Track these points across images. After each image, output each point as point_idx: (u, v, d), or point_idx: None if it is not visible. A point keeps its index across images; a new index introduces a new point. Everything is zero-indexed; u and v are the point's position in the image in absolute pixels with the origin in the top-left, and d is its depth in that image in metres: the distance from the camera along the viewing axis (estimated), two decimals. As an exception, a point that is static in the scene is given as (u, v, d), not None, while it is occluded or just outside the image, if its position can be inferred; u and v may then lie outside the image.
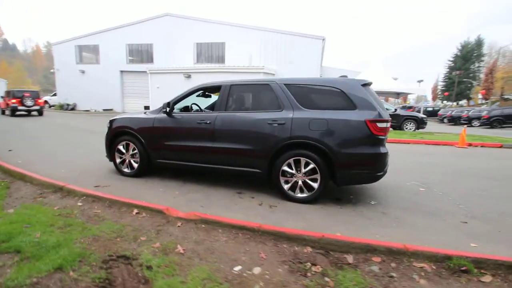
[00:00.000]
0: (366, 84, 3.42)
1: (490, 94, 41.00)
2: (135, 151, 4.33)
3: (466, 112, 24.58)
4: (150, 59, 22.08)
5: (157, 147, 4.15)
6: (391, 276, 1.96)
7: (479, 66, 52.40)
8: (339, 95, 3.36)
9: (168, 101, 4.09)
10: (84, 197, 3.24)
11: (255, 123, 3.58)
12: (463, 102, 52.22)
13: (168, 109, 4.01)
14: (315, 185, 3.37)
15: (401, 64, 68.53)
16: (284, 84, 3.59)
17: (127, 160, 4.45)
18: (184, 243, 2.28)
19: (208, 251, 2.18)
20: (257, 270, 1.95)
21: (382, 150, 3.24)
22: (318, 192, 3.38)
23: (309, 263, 2.07)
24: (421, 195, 3.93)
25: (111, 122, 4.59)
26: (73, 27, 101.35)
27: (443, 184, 4.48)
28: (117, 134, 4.46)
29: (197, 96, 4.59)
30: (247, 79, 3.88)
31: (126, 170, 4.47)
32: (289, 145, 3.41)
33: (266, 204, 3.40)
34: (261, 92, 3.74)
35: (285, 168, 3.48)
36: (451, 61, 53.57)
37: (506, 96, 46.23)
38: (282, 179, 3.52)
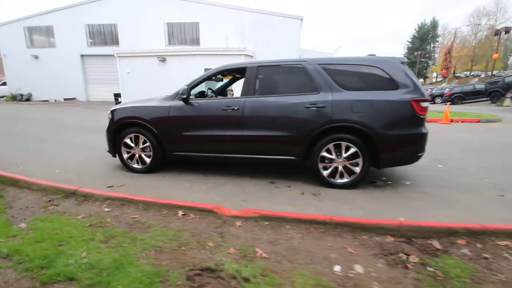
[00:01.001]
0: (403, 62, 3.31)
1: (449, 73, 44.32)
2: (147, 144, 3.85)
3: (430, 90, 26.36)
4: (115, 41, 20.09)
5: (174, 139, 3.72)
6: (485, 258, 1.93)
7: (434, 47, 56.20)
8: (379, 74, 3.21)
9: (185, 86, 3.63)
10: (109, 201, 2.78)
11: (290, 108, 3.31)
12: (421, 81, 56.05)
13: (184, 95, 3.55)
14: (357, 169, 3.26)
15: (369, 47, 70.97)
16: (319, 65, 3.34)
17: (136, 155, 3.95)
18: (259, 245, 2.04)
19: (292, 251, 1.96)
20: (358, 268, 1.79)
21: (424, 130, 3.20)
22: (361, 177, 3.28)
23: (401, 254, 1.96)
24: (444, 172, 4.04)
25: (113, 112, 4.00)
26: (21, 5, 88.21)
27: (454, 160, 4.66)
28: (123, 126, 3.91)
29: (213, 79, 4.16)
30: (276, 60, 3.55)
31: (136, 166, 3.98)
32: (329, 129, 3.23)
33: (308, 192, 3.23)
34: (293, 74, 3.45)
35: (324, 153, 3.31)
36: (410, 41, 56.75)
37: (457, 74, 50.55)
38: (320, 165, 3.36)
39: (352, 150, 3.22)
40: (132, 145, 3.92)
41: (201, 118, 3.61)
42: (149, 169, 3.93)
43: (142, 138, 3.84)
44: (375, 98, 3.13)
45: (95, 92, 20.91)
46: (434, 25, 55.62)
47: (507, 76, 20.24)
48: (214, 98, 4.14)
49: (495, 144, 6.00)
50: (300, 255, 1.92)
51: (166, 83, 15.86)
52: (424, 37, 55.26)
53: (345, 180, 3.33)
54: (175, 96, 3.75)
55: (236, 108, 3.44)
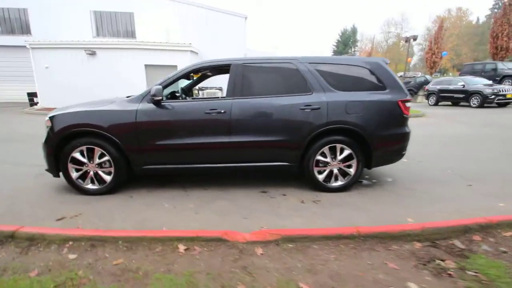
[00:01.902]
0: (387, 63, 3.37)
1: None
2: (105, 158, 3.07)
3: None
4: (25, 30, 16.58)
5: (145, 150, 3.05)
6: (505, 252, 2.01)
7: (354, 51, 63.60)
8: (368, 75, 3.19)
9: (157, 85, 2.99)
10: (70, 243, 2.04)
11: (284, 110, 3.03)
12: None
13: (158, 97, 2.92)
14: (351, 171, 3.20)
15: (302, 48, 75.68)
16: (310, 63, 3.14)
17: (91, 173, 3.13)
18: (298, 277, 1.71)
19: (337, 279, 1.70)
20: (413, 287, 1.63)
21: (408, 129, 3.32)
22: (355, 179, 3.23)
23: (437, 261, 1.89)
24: (408, 166, 4.32)
25: (53, 120, 3.07)
26: None
27: (420, 153, 5.09)
28: (69, 137, 3.04)
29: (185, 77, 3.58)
30: (264, 57, 3.21)
31: (91, 186, 3.15)
32: (324, 132, 3.07)
33: (307, 200, 3.02)
34: (284, 73, 3.17)
35: (319, 157, 3.15)
36: (335, 45, 63.14)
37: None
38: (315, 170, 3.18)
39: (347, 152, 3.13)
40: (84, 160, 3.08)
41: (180, 123, 3.03)
42: (110, 189, 3.15)
43: (98, 150, 3.05)
44: (367, 99, 3.09)
45: (2, 91, 16.92)
46: (354, 31, 62.95)
47: (418, 77, 24.01)
48: (193, 99, 3.56)
49: (434, 136, 6.87)
50: (349, 282, 1.67)
51: (98, 81, 13.82)
52: (346, 41, 62.02)
53: (340, 183, 3.23)
54: (143, 97, 3.07)
55: (222, 111, 2.99)
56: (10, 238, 2.07)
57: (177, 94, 3.86)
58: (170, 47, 14.08)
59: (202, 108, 3.02)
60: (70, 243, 2.04)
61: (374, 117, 3.10)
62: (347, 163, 3.18)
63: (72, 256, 1.91)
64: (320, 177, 3.20)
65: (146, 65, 14.08)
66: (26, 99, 14.91)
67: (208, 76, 4.34)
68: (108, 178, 3.14)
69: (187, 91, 4.30)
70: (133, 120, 2.99)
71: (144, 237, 2.04)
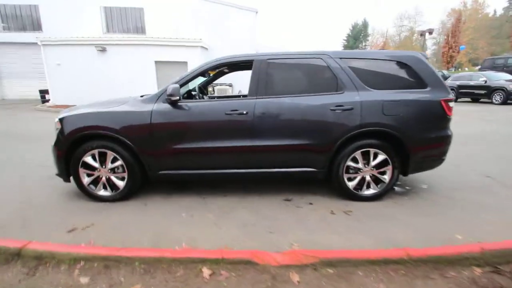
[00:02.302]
0: (427, 58, 3.02)
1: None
2: (118, 163, 2.85)
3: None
4: (36, 26, 16.61)
5: (161, 154, 2.82)
6: None
7: (365, 45, 62.16)
8: (407, 71, 2.86)
9: (173, 83, 2.74)
10: (82, 263, 1.83)
11: (313, 111, 2.74)
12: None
13: (175, 97, 2.67)
14: (386, 178, 2.89)
15: (312, 43, 74.24)
16: (340, 58, 2.83)
17: (103, 178, 2.92)
18: (345, 314, 1.45)
19: (393, 318, 1.42)
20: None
21: (450, 132, 2.98)
22: (390, 186, 2.92)
23: (508, 294, 1.59)
24: (449, 169, 3.96)
25: (62, 121, 2.87)
26: None
27: (450, 155, 4.71)
28: (80, 140, 2.83)
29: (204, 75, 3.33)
30: (289, 52, 2.92)
31: (103, 193, 2.95)
32: (357, 135, 2.77)
33: (337, 210, 2.74)
34: (312, 70, 2.87)
35: (349, 163, 2.86)
36: (345, 39, 61.84)
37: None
38: (345, 176, 2.89)
39: (381, 157, 2.83)
40: (96, 165, 2.87)
41: (198, 125, 2.78)
42: (123, 196, 2.94)
43: (111, 154, 2.83)
44: (406, 98, 2.77)
45: (12, 88, 17.13)
46: (365, 25, 61.49)
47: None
48: (212, 98, 3.29)
49: (462, 136, 6.43)
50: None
51: (108, 78, 13.74)
52: (357, 36, 60.66)
53: (373, 191, 2.93)
54: (158, 97, 2.82)
55: (245, 112, 2.72)
56: (16, 256, 1.88)
57: (194, 93, 3.61)
58: (180, 43, 13.85)
59: (222, 109, 2.76)
60: (82, 263, 1.82)
61: (414, 119, 2.77)
62: (381, 170, 2.88)
63: (84, 280, 1.69)
64: (351, 185, 2.91)
65: (156, 62, 13.91)
66: (38, 96, 14.99)
67: (225, 73, 4.07)
68: (121, 184, 2.93)
69: (203, 89, 4.05)
70: (147, 121, 2.75)
71: (163, 258, 1.80)
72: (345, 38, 61.82)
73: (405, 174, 2.99)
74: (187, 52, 13.77)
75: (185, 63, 13.44)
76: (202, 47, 14.08)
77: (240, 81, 14.16)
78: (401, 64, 2.87)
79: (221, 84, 13.01)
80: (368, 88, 2.79)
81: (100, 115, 2.82)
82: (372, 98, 2.74)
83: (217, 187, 3.31)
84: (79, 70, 13.94)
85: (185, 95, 3.37)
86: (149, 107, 2.78)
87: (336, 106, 2.72)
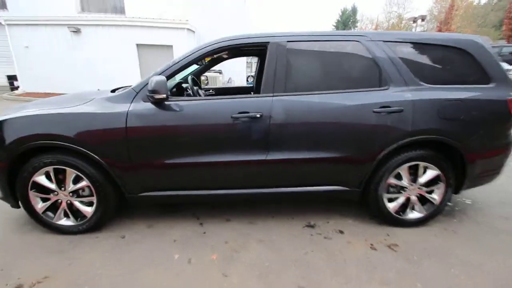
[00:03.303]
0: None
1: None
2: (83, 183, 2.08)
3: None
4: (1, 5, 14.71)
5: (142, 169, 2.05)
6: None
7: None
8: (466, 60, 2.18)
9: (156, 74, 1.95)
10: None
11: (349, 113, 2.03)
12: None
13: (161, 95, 1.88)
14: (435, 198, 2.28)
15: (300, 29, 72.32)
16: (385, 42, 2.11)
17: (63, 203, 2.14)
18: None
19: None
20: None
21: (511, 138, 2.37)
22: (441, 208, 2.32)
23: None
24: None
25: (2, 126, 2.03)
26: None
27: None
28: (28, 153, 2.02)
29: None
30: (317, 32, 2.16)
31: (65, 222, 2.18)
32: (404, 145, 2.10)
33: (378, 242, 2.11)
34: (347, 56, 2.13)
35: (391, 180, 2.21)
36: (335, 26, 60.91)
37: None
38: (385, 197, 2.25)
39: (432, 172, 2.19)
40: (52, 186, 2.08)
41: (194, 132, 2.02)
42: (92, 226, 2.19)
43: (71, 173, 2.05)
44: (468, 97, 2.10)
45: (-25, 73, 15.29)
46: (354, 11, 60.54)
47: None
48: (210, 95, 2.50)
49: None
50: None
51: (84, 62, 12.41)
52: (346, 21, 59.77)
53: (418, 214, 2.31)
54: (137, 93, 2.02)
55: (257, 115, 1.98)
56: None
57: (185, 86, 2.79)
58: (164, 24, 12.61)
59: (227, 110, 2.00)
60: None
61: (475, 123, 2.12)
62: (431, 188, 2.25)
63: None
64: (391, 207, 2.27)
65: (138, 45, 12.66)
66: (6, 82, 13.47)
67: (223, 60, 3.27)
68: (88, 210, 2.16)
69: (196, 81, 3.23)
70: (121, 126, 1.96)
71: None
72: (335, 24, 60.78)
73: (457, 191, 2.38)
74: (173, 35, 12.58)
75: (170, 46, 12.31)
76: (189, 29, 12.90)
77: (227, 67, 13.24)
78: (458, 51, 2.17)
79: (209, 71, 12.03)
80: (421, 82, 2.10)
81: (52, 119, 2.00)
82: (427, 97, 2.06)
83: (217, 207, 2.60)
84: (50, 54, 12.53)
85: (174, 89, 2.57)
86: (123, 107, 1.98)
87: (381, 107, 2.02)
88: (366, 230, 2.29)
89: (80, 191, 2.14)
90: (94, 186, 2.08)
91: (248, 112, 1.98)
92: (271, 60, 2.05)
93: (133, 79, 3.32)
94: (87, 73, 12.42)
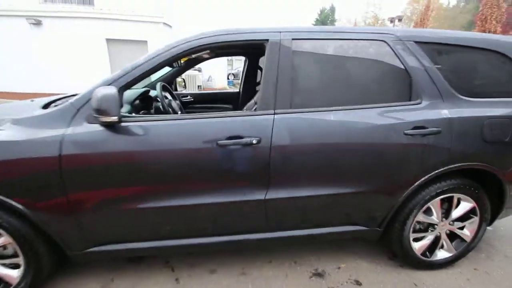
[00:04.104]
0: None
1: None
2: (1, 240, 1.43)
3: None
4: None
5: (84, 214, 1.44)
6: None
7: (333, 31, 62.46)
8: (505, 66, 1.77)
9: (106, 83, 1.34)
10: None
11: (374, 136, 1.54)
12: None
13: (111, 117, 1.27)
14: (467, 234, 1.86)
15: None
16: (416, 43, 1.64)
17: (-26, 267, 1.48)
18: None
19: None
20: None
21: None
22: (473, 246, 1.91)
23: None
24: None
25: None
26: None
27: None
28: None
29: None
30: (331, 27, 1.63)
31: (-21, 293, 1.52)
32: (441, 175, 1.65)
33: (408, 300, 1.65)
34: (368, 60, 1.62)
35: (420, 216, 1.76)
36: (314, 24, 61.47)
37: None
38: (411, 236, 1.80)
39: (467, 205, 1.78)
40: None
41: (163, 165, 1.42)
42: (19, 298, 1.54)
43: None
44: (514, 112, 1.69)
45: None
46: (333, 10, 61.41)
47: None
48: (190, 115, 1.86)
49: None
50: None
51: (46, 58, 11.14)
52: (325, 21, 60.52)
53: (446, 254, 1.89)
54: (77, 110, 1.39)
55: (254, 142, 1.43)
56: None
57: (153, 95, 2.14)
58: (137, 18, 11.63)
59: (211, 135, 1.43)
60: None
61: (519, 146, 1.72)
62: (463, 223, 1.84)
63: None
64: (417, 247, 1.83)
65: (108, 39, 11.58)
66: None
67: (203, 60, 2.68)
68: (13, 275, 1.51)
69: (168, 87, 2.58)
70: (53, 155, 1.32)
71: None
72: (314, 23, 61.29)
73: (489, 224, 1.98)
74: (146, 29, 11.62)
75: (144, 42, 11.37)
76: (165, 23, 11.98)
77: (207, 65, 12.51)
78: (498, 56, 1.75)
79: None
80: (459, 95, 1.65)
81: None
82: (468, 114, 1.62)
83: (199, 253, 2.03)
84: (6, 49, 11.11)
85: (136, 101, 1.93)
86: (54, 132, 1.35)
87: (414, 127, 1.55)
88: (387, 277, 1.83)
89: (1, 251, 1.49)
90: (19, 243, 1.43)
91: (240, 137, 1.42)
92: (271, 65, 1.50)
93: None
94: (50, 71, 11.18)
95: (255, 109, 1.51)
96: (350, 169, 1.57)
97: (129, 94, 1.85)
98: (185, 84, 3.30)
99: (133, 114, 1.53)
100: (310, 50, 1.55)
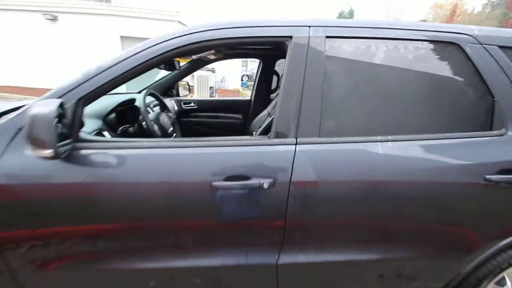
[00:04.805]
0: None
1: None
2: None
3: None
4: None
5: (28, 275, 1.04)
6: None
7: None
8: None
9: (59, 97, 0.94)
10: None
11: (439, 179, 1.06)
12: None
13: (45, 149, 0.83)
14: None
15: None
16: (502, 48, 1.14)
17: None
18: None
19: None
20: None
21: None
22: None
23: None
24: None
25: None
26: None
27: None
28: None
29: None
30: (380, 21, 1.17)
31: None
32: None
33: None
34: (433, 71, 1.14)
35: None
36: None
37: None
38: (476, 314, 1.31)
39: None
40: None
41: (135, 212, 1.01)
42: None
43: None
44: None
45: None
46: (351, 14, 60.20)
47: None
48: (173, 140, 1.39)
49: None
50: None
51: (61, 54, 11.10)
52: (343, 24, 59.35)
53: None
54: (17, 130, 0.99)
55: (266, 185, 0.97)
56: None
57: (138, 105, 1.70)
58: (151, 15, 11.43)
59: (202, 171, 1.00)
60: None
61: None
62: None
63: None
64: (482, 329, 1.33)
65: (122, 37, 11.44)
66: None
67: (209, 61, 2.26)
68: None
69: (163, 102, 2.07)
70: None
71: None
72: (332, 26, 60.34)
73: None
74: (161, 27, 11.38)
75: (158, 41, 11.12)
76: (179, 22, 11.73)
77: (220, 64, 12.15)
78: None
79: (200, 69, 10.89)
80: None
81: None
82: None
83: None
84: (22, 44, 11.18)
85: (110, 116, 1.49)
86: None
87: (500, 171, 1.06)
88: None
89: None
90: None
91: (246, 177, 0.98)
92: (294, 73, 1.05)
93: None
94: (64, 67, 11.13)
95: (268, 136, 1.06)
96: (402, 226, 1.10)
97: (105, 104, 1.45)
98: (189, 88, 2.89)
99: (97, 138, 1.10)
100: (351, 53, 1.09)
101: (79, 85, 0.98)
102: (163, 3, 12.70)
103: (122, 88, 2.36)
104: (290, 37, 1.07)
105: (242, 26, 1.08)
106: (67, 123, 0.93)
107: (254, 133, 1.42)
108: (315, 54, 1.06)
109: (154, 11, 11.58)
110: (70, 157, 0.96)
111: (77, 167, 0.98)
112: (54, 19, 11.21)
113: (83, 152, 0.99)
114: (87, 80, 0.99)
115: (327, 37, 1.07)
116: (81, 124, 1.03)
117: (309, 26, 1.08)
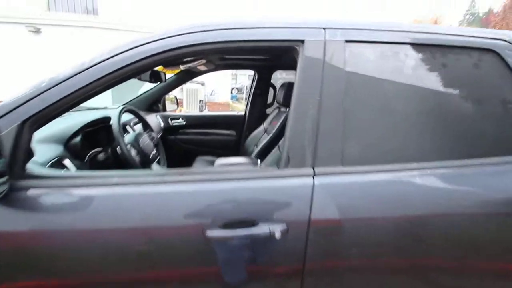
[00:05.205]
0: None
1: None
2: None
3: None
4: None
5: None
6: None
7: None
8: None
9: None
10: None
11: (488, 213, 0.84)
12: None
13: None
14: None
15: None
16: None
17: None
18: None
19: None
20: None
21: None
22: None
23: None
24: None
25: None
26: None
27: None
28: None
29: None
30: (407, 24, 0.98)
31: None
32: None
33: None
34: (470, 83, 0.95)
35: None
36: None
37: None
38: None
39: None
40: None
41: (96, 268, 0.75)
42: None
43: None
44: None
45: None
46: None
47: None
48: (159, 174, 1.14)
49: None
50: None
51: (44, 68, 10.62)
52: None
53: None
54: None
55: (277, 234, 0.72)
56: None
57: (112, 125, 1.43)
58: (142, 29, 11.21)
59: (191, 215, 0.75)
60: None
61: None
62: None
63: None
64: None
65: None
66: None
67: (199, 74, 2.04)
68: None
69: (138, 114, 1.76)
70: None
71: None
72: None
73: None
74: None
75: (148, 55, 10.90)
76: (168, 36, 11.54)
77: (210, 77, 12.02)
78: None
79: (190, 82, 10.70)
80: None
81: None
82: None
83: None
84: (3, 56, 10.73)
85: (76, 139, 1.19)
86: None
87: None
88: None
89: None
90: None
91: (251, 223, 0.74)
92: (308, 86, 0.83)
93: (104, 94, 2.01)
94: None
95: (277, 165, 0.83)
96: (445, 268, 0.87)
97: (68, 124, 1.18)
98: (177, 102, 2.65)
99: (48, 172, 0.82)
100: (376, 61, 0.88)
101: (24, 103, 0.73)
102: (154, 15, 12.60)
103: (107, 102, 2.09)
104: (302, 41, 0.86)
105: (242, 28, 0.87)
106: (4, 154, 0.67)
107: (259, 162, 1.17)
108: (334, 62, 0.84)
109: (143, 25, 11.41)
110: (8, 200, 0.69)
111: (18, 212, 0.71)
112: (37, 31, 10.92)
113: (30, 192, 0.73)
114: (35, 96, 0.74)
115: (347, 41, 0.86)
116: (29, 154, 0.77)
117: (324, 28, 0.87)
